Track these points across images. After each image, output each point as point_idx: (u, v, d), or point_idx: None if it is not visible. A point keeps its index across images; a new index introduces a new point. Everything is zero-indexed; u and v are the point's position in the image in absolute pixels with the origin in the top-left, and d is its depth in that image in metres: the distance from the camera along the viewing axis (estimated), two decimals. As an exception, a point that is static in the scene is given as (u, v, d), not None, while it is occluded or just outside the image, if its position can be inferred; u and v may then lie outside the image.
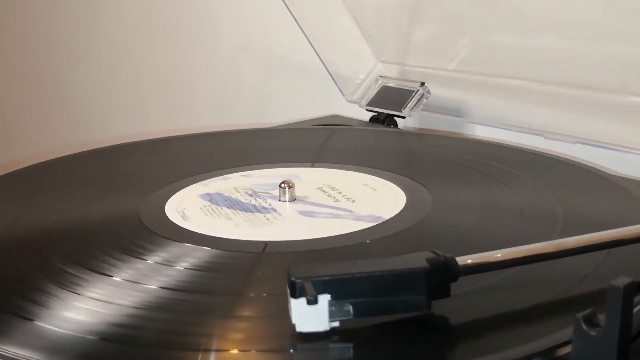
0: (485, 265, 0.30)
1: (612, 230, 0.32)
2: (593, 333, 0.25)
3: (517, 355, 0.27)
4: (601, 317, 0.25)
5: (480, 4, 0.60)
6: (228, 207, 0.43)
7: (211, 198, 0.45)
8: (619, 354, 0.25)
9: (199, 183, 0.47)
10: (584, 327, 0.25)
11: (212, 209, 0.43)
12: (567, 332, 0.27)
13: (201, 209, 0.43)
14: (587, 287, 0.32)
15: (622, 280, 0.25)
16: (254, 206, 0.43)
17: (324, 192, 0.45)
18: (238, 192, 0.46)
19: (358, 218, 0.41)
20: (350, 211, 0.42)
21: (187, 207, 0.43)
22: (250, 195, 0.45)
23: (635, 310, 0.26)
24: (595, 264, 0.33)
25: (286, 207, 0.43)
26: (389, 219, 0.40)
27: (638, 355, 0.27)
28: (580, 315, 0.25)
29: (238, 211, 0.42)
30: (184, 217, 0.41)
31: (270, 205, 0.43)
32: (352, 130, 0.64)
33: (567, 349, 0.26)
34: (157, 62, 1.05)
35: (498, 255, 0.30)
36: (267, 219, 0.41)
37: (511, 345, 0.27)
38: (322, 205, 0.43)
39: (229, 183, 0.48)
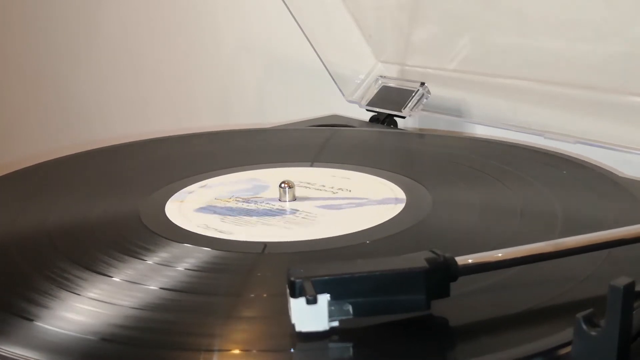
0: (484, 265, 0.30)
1: (613, 230, 0.32)
2: (593, 333, 0.25)
3: (517, 356, 0.26)
4: (601, 317, 0.25)
5: (480, 4, 0.60)
6: (247, 215, 0.42)
7: (216, 210, 0.43)
8: (619, 354, 0.25)
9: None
10: (584, 327, 0.25)
11: (233, 220, 0.41)
12: (567, 333, 0.27)
13: (222, 221, 0.41)
14: (587, 287, 0.32)
15: (622, 280, 0.25)
16: (271, 210, 0.43)
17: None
18: (236, 200, 0.44)
19: (381, 202, 0.40)
20: (367, 198, 0.42)
21: (207, 220, 0.41)
22: (251, 202, 0.45)
23: (635, 310, 0.26)
24: (595, 265, 0.33)
25: (306, 205, 0.43)
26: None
27: (638, 355, 0.27)
28: (580, 315, 0.25)
29: (265, 217, 0.41)
30: (206, 227, 0.40)
31: (281, 205, 0.43)
32: (352, 130, 0.64)
33: (568, 349, 0.26)
34: (157, 62, 1.05)
35: (498, 255, 0.30)
36: (304, 218, 0.41)
37: (511, 345, 0.27)
38: (334, 199, 0.43)
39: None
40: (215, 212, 0.42)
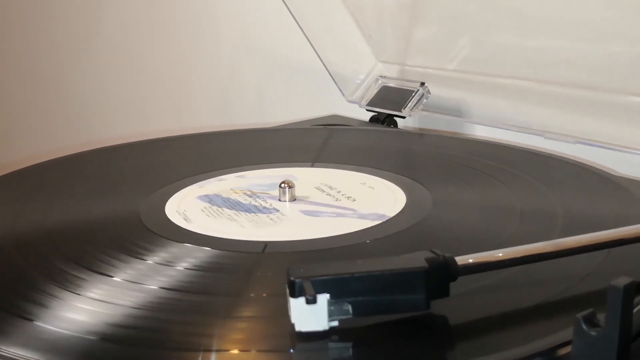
0: (484, 265, 0.30)
1: (612, 230, 0.32)
2: (593, 333, 0.25)
3: (517, 356, 0.26)
4: (601, 317, 0.25)
5: (480, 4, 0.60)
6: (229, 208, 0.43)
7: (210, 200, 0.44)
8: (619, 354, 0.25)
9: (199, 183, 0.47)
10: (584, 327, 0.25)
11: (214, 211, 0.43)
12: (567, 333, 0.27)
13: (202, 210, 0.43)
14: (587, 287, 0.32)
15: (622, 280, 0.25)
16: (255, 207, 0.43)
17: (324, 192, 0.45)
18: (237, 193, 0.46)
19: (362, 216, 0.41)
20: (354, 210, 0.42)
21: (188, 208, 0.43)
22: (250, 196, 0.45)
23: (635, 310, 0.26)
24: (595, 264, 0.33)
25: (288, 207, 0.43)
26: (389, 219, 0.40)
27: (638, 355, 0.27)
28: (580, 315, 0.25)
29: (240, 212, 0.42)
30: (186, 219, 0.41)
31: (271, 205, 0.43)
32: (352, 130, 0.64)
33: (568, 349, 0.26)
34: (157, 62, 1.05)
35: (497, 255, 0.30)
36: (271, 219, 0.41)
37: (511, 345, 0.27)
38: (324, 205, 0.43)
39: (228, 183, 0.48)
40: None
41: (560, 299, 0.31)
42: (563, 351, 0.27)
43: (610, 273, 0.29)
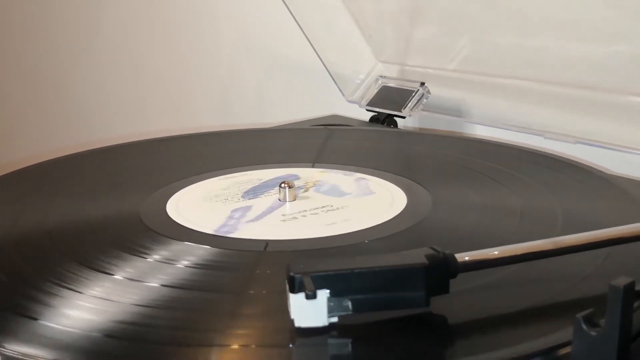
0: (484, 262, 0.30)
1: (611, 229, 0.32)
2: (593, 333, 0.25)
3: (516, 354, 0.26)
4: (601, 317, 0.25)
5: (480, 4, 0.60)
6: (243, 197, 0.44)
7: (256, 185, 0.46)
8: (619, 354, 0.25)
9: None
10: (584, 327, 0.25)
11: (229, 194, 0.45)
12: (567, 333, 0.27)
13: (222, 192, 0.45)
14: (587, 286, 0.32)
15: (622, 280, 0.25)
16: (255, 199, 0.44)
17: (332, 200, 0.45)
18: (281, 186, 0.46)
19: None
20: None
21: (212, 189, 0.45)
22: (274, 191, 0.45)
23: (635, 310, 0.26)
24: (595, 264, 0.33)
25: (265, 206, 0.43)
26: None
27: (638, 355, 0.27)
28: (580, 315, 0.25)
29: (237, 200, 0.44)
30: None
31: (261, 201, 0.43)
32: (352, 130, 0.64)
33: (567, 349, 0.26)
34: (157, 62, 1.05)
35: (497, 252, 0.30)
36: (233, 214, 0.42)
37: (510, 343, 0.27)
38: (292, 211, 0.42)
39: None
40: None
41: (561, 298, 0.31)
42: (563, 351, 0.27)
43: (610, 273, 0.29)
